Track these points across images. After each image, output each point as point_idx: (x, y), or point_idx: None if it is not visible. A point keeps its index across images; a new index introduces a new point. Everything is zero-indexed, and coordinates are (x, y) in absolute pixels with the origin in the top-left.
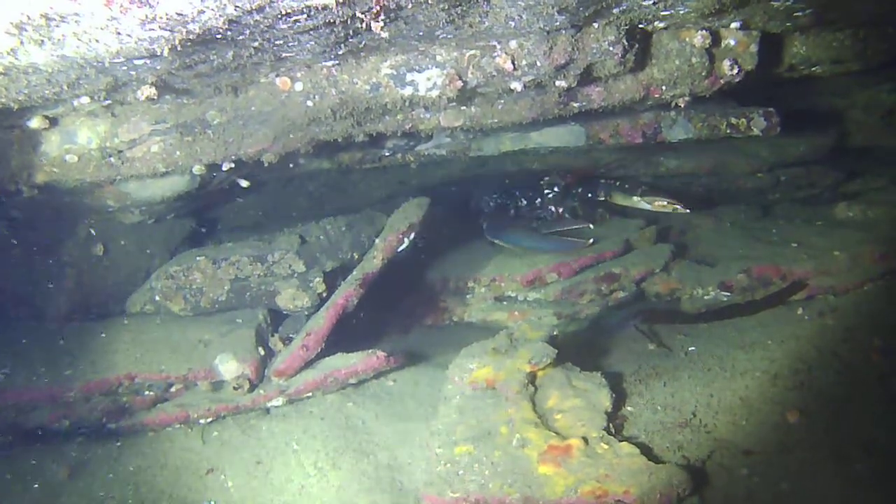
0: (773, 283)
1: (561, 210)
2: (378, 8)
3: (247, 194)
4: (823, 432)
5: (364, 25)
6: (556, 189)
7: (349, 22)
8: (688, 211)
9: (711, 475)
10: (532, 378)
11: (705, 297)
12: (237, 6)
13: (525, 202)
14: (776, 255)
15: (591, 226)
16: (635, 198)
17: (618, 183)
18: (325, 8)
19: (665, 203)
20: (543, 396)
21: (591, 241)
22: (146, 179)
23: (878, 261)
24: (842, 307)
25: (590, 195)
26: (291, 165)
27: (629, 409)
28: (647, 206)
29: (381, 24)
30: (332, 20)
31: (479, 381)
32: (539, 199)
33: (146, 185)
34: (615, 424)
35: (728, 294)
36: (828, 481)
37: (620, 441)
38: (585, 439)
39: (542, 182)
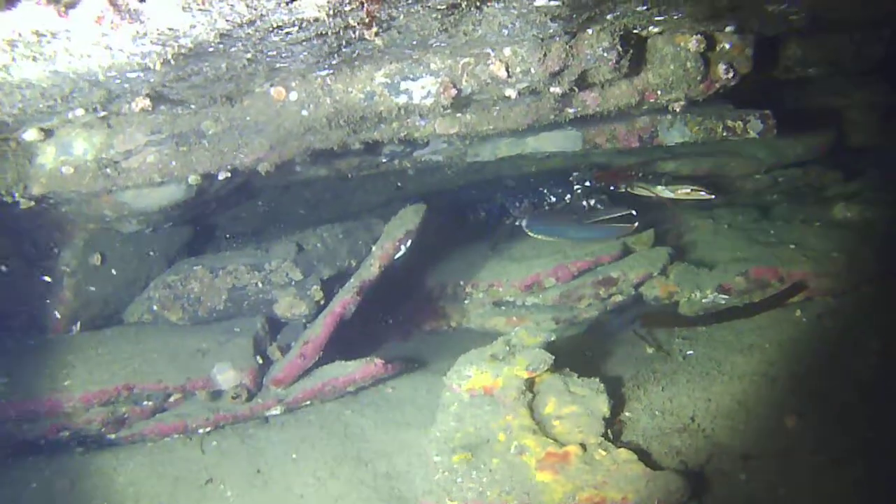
0: (771, 285)
1: (593, 202)
2: (369, 18)
3: (245, 201)
4: (822, 436)
5: (356, 35)
6: (586, 184)
7: (341, 33)
8: (713, 197)
9: (710, 480)
10: (530, 384)
11: (703, 301)
12: (228, 20)
13: (554, 199)
14: (774, 257)
15: (634, 212)
16: (659, 187)
17: (640, 174)
18: (316, 20)
19: (689, 190)
20: (541, 403)
21: (636, 224)
22: (143, 189)
23: (874, 262)
24: (840, 309)
25: (612, 188)
26: (288, 173)
27: (627, 414)
28: (671, 195)
29: (375, 30)
30: (324, 31)
31: (476, 388)
32: (569, 196)
33: (143, 195)
34: (613, 430)
35: (726, 297)
36: (826, 486)
37: (618, 447)
38: (583, 446)
39: (571, 178)
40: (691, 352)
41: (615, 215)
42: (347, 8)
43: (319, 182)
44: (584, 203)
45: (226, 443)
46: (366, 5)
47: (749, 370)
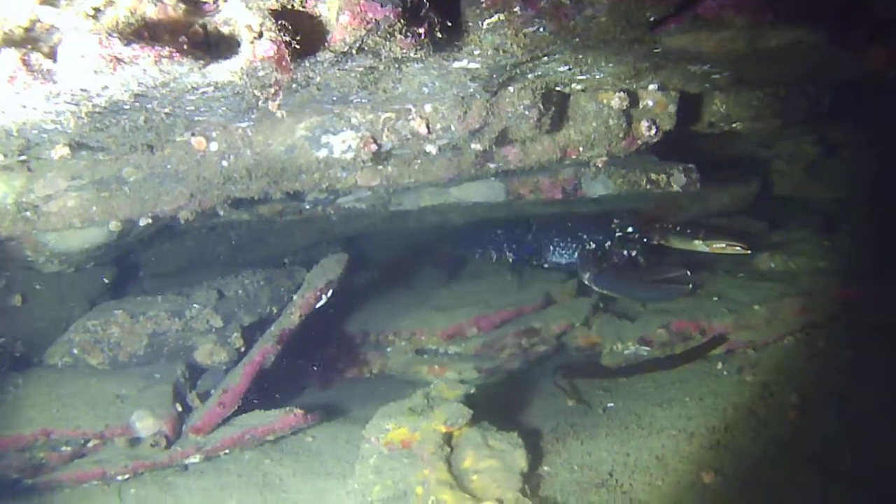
0: (693, 337)
1: (634, 253)
2: (275, 88)
3: (169, 241)
4: (738, 493)
5: (260, 103)
6: (628, 230)
7: (258, 93)
8: (748, 253)
9: None
10: (448, 439)
11: (625, 352)
12: (141, 82)
13: (594, 245)
14: (696, 309)
15: (689, 272)
16: (696, 241)
17: (678, 227)
18: (230, 83)
19: (724, 245)
20: (459, 457)
21: (691, 286)
22: (65, 231)
23: (798, 314)
24: (760, 362)
25: (645, 239)
26: (211, 217)
27: (546, 468)
28: (706, 249)
29: (278, 104)
30: (240, 91)
31: (395, 441)
32: (609, 243)
33: (65, 237)
34: (531, 485)
35: (648, 349)
36: None
37: (536, 502)
38: (500, 501)
39: (613, 224)
40: (611, 404)
41: (673, 275)
42: (261, 73)
43: (245, 224)
44: (624, 253)
45: (144, 490)
46: (276, 74)
47: (668, 424)
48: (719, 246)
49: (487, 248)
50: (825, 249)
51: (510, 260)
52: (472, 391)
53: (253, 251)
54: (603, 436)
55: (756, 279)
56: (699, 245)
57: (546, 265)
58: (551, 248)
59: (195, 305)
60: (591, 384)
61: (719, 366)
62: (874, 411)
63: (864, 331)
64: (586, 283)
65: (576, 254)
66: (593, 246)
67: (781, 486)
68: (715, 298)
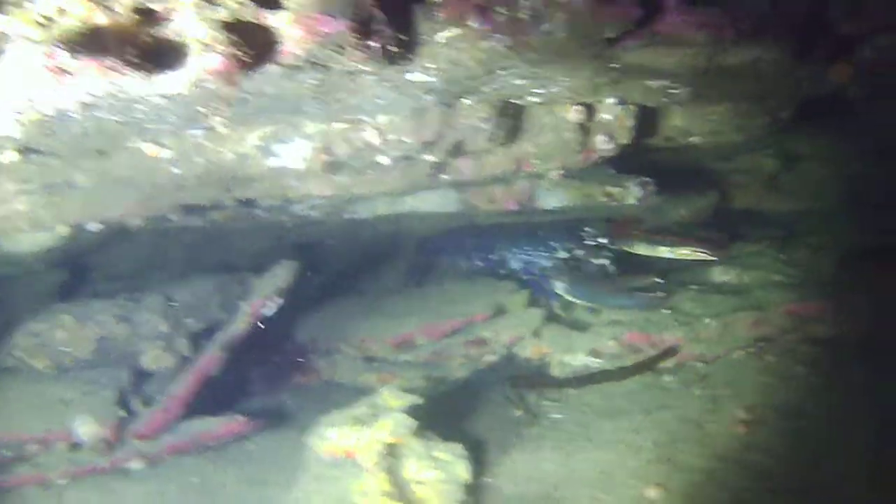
0: (644, 349)
1: (606, 262)
2: (223, 102)
3: (121, 244)
4: None
5: (199, 116)
6: (600, 240)
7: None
8: (714, 259)
9: None
10: (391, 449)
11: (575, 363)
12: (89, 93)
13: (567, 254)
14: (647, 322)
15: (661, 280)
16: (663, 248)
17: (644, 234)
18: (180, 94)
19: (689, 252)
20: (402, 467)
21: (665, 293)
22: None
23: (749, 328)
24: (710, 376)
25: (613, 247)
26: (163, 222)
27: (489, 480)
28: (671, 256)
29: (221, 119)
30: (191, 101)
31: (337, 450)
32: (582, 252)
33: (15, 240)
34: (474, 497)
35: (598, 360)
36: None
37: None
38: None
39: (584, 233)
40: (559, 415)
41: (646, 283)
42: (210, 86)
43: (198, 228)
44: (594, 261)
45: (85, 496)
46: (223, 88)
47: (614, 437)
48: (684, 252)
49: (455, 257)
50: (781, 263)
51: (478, 269)
52: (417, 401)
53: (206, 256)
54: (549, 448)
55: (709, 292)
56: (665, 252)
57: (523, 275)
58: (520, 257)
59: (143, 311)
60: (539, 395)
61: (668, 378)
62: (823, 427)
63: (816, 346)
64: (559, 292)
65: (545, 263)
66: (564, 255)
67: (727, 502)
68: (667, 311)
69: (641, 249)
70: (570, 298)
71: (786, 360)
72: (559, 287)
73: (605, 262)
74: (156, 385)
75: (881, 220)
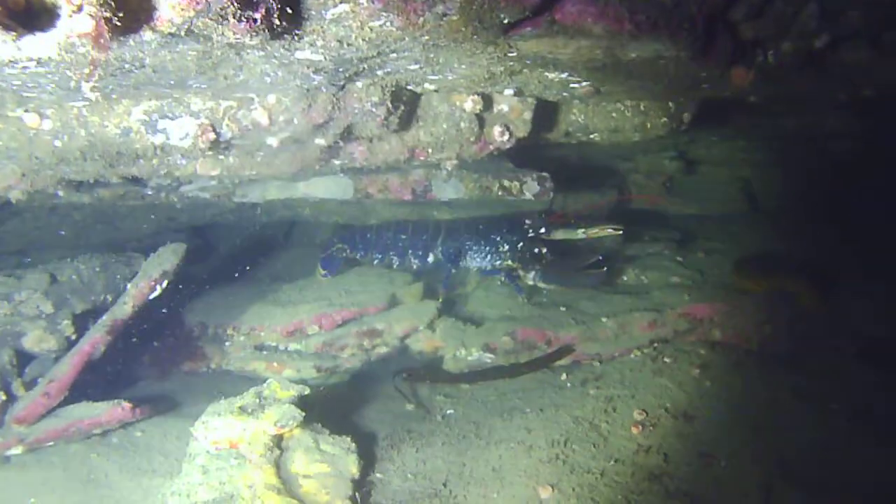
0: (539, 346)
1: (545, 251)
2: (90, 69)
3: (8, 220)
4: None
5: (74, 84)
6: (541, 231)
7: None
8: (620, 232)
9: None
10: (278, 440)
11: (469, 358)
12: None
13: (508, 246)
14: (543, 319)
15: (601, 258)
16: (579, 231)
17: (560, 222)
18: (51, 59)
19: (598, 230)
20: (289, 460)
21: (605, 268)
22: None
23: (646, 329)
24: (605, 375)
25: (531, 233)
26: (49, 198)
27: (378, 475)
28: (584, 237)
29: (92, 85)
30: (66, 67)
31: (222, 441)
32: (521, 243)
33: None
34: (361, 492)
35: (492, 356)
36: None
37: None
38: None
39: (525, 225)
40: (451, 411)
41: (591, 262)
42: (80, 50)
43: (89, 206)
44: (537, 250)
45: None
46: (93, 52)
47: (507, 435)
48: (594, 231)
49: (387, 253)
50: (679, 265)
51: (414, 267)
52: (306, 392)
53: (97, 235)
54: (439, 444)
55: (606, 292)
56: (580, 234)
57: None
58: (464, 252)
59: (25, 290)
60: (431, 389)
61: (563, 377)
62: (717, 430)
63: (712, 348)
64: (531, 282)
65: (489, 257)
66: (507, 248)
67: (619, 503)
68: (563, 308)
69: (560, 235)
70: (542, 286)
71: (681, 362)
72: (531, 277)
73: (545, 250)
74: (38, 368)
75: (776, 225)
